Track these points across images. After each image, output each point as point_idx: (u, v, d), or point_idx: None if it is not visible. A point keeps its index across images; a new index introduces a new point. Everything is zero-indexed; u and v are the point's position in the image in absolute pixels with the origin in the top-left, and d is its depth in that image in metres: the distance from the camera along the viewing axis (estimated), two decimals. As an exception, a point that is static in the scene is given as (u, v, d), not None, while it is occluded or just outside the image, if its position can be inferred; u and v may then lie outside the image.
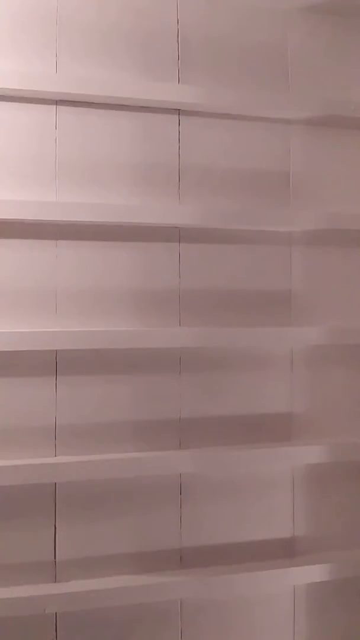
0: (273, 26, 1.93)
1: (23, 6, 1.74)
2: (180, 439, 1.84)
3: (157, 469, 1.75)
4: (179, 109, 1.85)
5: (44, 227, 1.74)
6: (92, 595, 1.68)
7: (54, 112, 1.76)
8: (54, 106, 1.76)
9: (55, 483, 1.73)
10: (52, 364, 1.75)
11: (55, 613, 1.72)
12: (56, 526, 1.74)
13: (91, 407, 1.77)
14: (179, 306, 1.85)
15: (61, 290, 1.76)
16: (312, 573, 1.84)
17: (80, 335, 1.70)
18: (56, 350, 1.74)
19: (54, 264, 1.76)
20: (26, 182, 1.74)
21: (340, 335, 1.88)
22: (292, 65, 1.95)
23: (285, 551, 1.91)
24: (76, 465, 1.68)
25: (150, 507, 1.81)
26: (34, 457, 1.72)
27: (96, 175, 1.79)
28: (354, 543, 1.94)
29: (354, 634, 1.94)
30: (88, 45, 1.79)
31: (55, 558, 1.74)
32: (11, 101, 1.73)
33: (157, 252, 1.83)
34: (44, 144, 1.75)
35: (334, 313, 1.95)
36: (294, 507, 1.92)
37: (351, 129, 1.96)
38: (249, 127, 1.90)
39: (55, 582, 1.73)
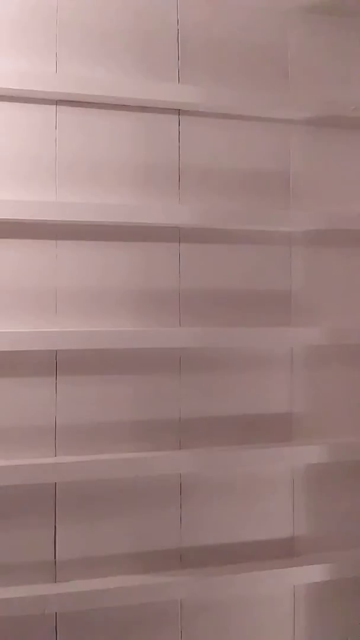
0: (273, 26, 1.93)
1: (23, 6, 1.74)
2: (180, 439, 1.84)
3: (157, 469, 1.75)
4: (179, 109, 1.85)
5: (44, 227, 1.74)
6: (92, 595, 1.68)
7: (54, 112, 1.76)
8: (54, 106, 1.76)
9: (55, 483, 1.73)
10: (52, 364, 1.75)
11: (55, 613, 1.72)
12: (56, 526, 1.74)
13: (91, 407, 1.77)
14: (179, 306, 1.85)
15: (61, 290, 1.76)
16: (312, 573, 1.84)
17: (80, 335, 1.70)
18: (56, 350, 1.74)
19: (54, 264, 1.76)
20: (26, 182, 1.74)
21: (340, 335, 1.88)
22: (292, 65, 1.95)
23: (285, 551, 1.91)
24: (76, 465, 1.68)
25: (150, 507, 1.81)
26: (34, 457, 1.72)
27: (96, 175, 1.79)
28: (354, 543, 1.93)
29: (354, 634, 1.94)
30: (88, 45, 1.79)
31: (55, 558, 1.74)
32: (11, 101, 1.73)
33: (157, 252, 1.83)
34: (44, 144, 1.75)
35: (334, 313, 1.95)
36: (294, 507, 1.92)
37: (351, 129, 1.96)
38: (249, 127, 1.90)
39: (55, 582, 1.73)
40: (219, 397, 1.87)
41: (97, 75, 1.79)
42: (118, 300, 1.80)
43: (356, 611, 1.94)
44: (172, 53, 1.85)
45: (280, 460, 1.87)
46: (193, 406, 1.85)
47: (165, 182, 1.84)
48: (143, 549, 1.80)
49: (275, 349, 1.92)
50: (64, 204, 1.70)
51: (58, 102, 1.76)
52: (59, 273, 1.76)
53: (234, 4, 1.90)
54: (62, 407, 1.75)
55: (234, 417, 1.88)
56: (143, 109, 1.82)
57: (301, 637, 1.91)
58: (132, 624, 1.78)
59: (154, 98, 1.78)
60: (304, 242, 1.94)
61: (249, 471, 1.88)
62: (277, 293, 1.93)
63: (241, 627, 1.87)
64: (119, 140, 1.81)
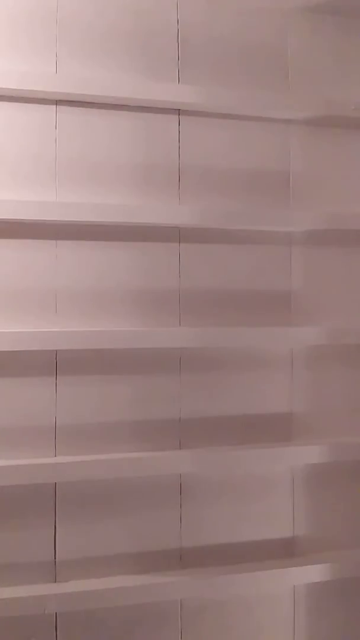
0: (273, 26, 1.93)
1: (23, 6, 1.74)
2: (180, 439, 1.84)
3: (157, 469, 1.75)
4: (179, 109, 1.85)
5: (44, 227, 1.74)
6: (92, 595, 1.68)
7: (54, 112, 1.76)
8: (54, 106, 1.76)
9: (55, 483, 1.73)
10: (52, 364, 1.75)
11: (55, 613, 1.72)
12: (56, 526, 1.74)
13: (91, 407, 1.77)
14: (179, 306, 1.85)
15: (61, 290, 1.76)
16: (312, 573, 1.84)
17: (80, 335, 1.70)
18: (56, 350, 1.74)
19: (54, 264, 1.76)
20: (26, 182, 1.74)
21: (340, 335, 1.88)
22: (292, 65, 1.95)
23: (285, 551, 1.91)
24: (76, 465, 1.68)
25: (150, 507, 1.81)
26: (34, 457, 1.72)
27: (96, 175, 1.79)
28: (354, 543, 1.93)
29: (354, 634, 1.94)
30: (88, 45, 1.79)
31: (55, 558, 1.74)
32: (11, 101, 1.73)
33: (157, 252, 1.83)
34: (44, 144, 1.75)
35: (334, 313, 1.95)
36: (294, 507, 1.92)
37: (351, 129, 1.96)
38: (249, 127, 1.90)
39: (55, 582, 1.73)
40: (219, 397, 1.87)
41: (97, 75, 1.79)
42: (118, 300, 1.80)
43: (356, 611, 1.94)
44: (172, 53, 1.85)
45: (280, 460, 1.87)
46: (193, 406, 1.85)
47: (165, 182, 1.84)
48: (143, 549, 1.81)
49: (275, 349, 1.92)
50: (64, 204, 1.71)
51: (58, 102, 1.76)
52: (59, 273, 1.76)
53: (234, 4, 1.90)
54: (62, 407, 1.75)
55: (234, 417, 1.88)
56: (143, 109, 1.82)
57: (301, 637, 1.91)
58: (132, 624, 1.78)
59: (154, 98, 1.78)
60: (304, 242, 1.94)
61: (249, 471, 1.88)
62: (277, 293, 1.93)
63: (241, 627, 1.87)
64: (119, 140, 1.81)
